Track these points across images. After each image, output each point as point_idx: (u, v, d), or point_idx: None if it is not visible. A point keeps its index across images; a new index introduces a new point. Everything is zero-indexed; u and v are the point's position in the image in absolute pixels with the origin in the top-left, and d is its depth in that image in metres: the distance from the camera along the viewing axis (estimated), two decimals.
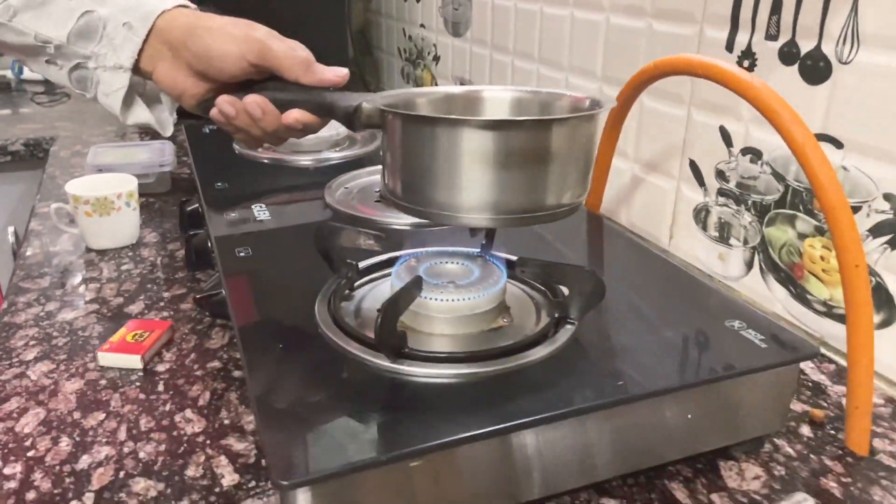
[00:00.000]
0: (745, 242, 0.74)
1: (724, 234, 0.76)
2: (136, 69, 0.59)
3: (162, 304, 0.74)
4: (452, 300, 0.51)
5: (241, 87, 0.57)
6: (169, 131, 0.68)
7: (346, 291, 0.57)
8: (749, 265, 0.74)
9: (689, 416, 0.48)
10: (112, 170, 0.97)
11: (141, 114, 0.63)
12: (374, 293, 0.58)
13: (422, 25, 1.52)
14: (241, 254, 0.65)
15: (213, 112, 0.58)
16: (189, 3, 0.60)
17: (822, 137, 0.63)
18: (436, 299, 0.51)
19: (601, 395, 0.45)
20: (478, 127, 0.46)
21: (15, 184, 1.42)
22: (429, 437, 0.41)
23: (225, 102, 0.56)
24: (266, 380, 0.47)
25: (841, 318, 0.64)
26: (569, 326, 0.52)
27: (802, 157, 0.49)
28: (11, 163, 1.39)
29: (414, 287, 0.49)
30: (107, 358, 0.63)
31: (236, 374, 0.62)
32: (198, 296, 0.63)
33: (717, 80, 0.55)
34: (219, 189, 0.82)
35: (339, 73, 0.56)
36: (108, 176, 0.90)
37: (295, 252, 0.66)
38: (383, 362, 0.48)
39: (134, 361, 0.62)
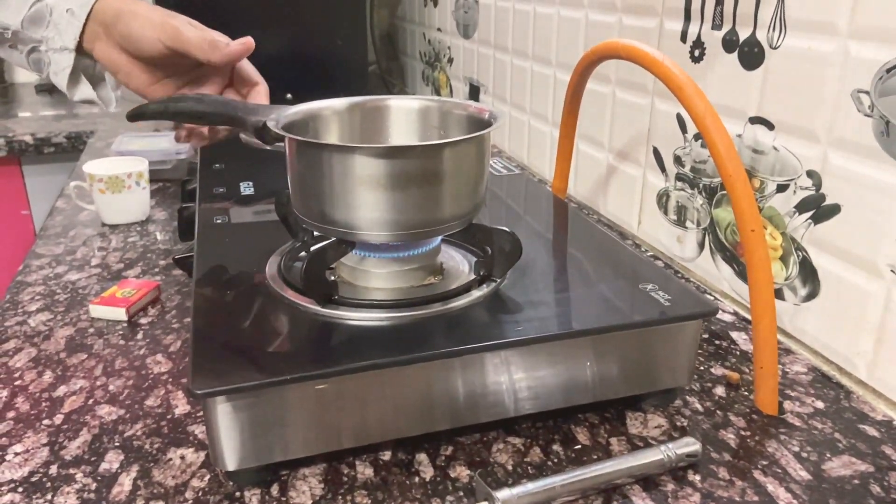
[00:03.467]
0: (698, 224, 0.77)
1: (681, 217, 0.80)
2: (80, 49, 0.67)
3: (156, 270, 0.81)
4: (387, 256, 0.57)
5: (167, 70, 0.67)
6: (112, 107, 0.76)
7: (302, 253, 0.63)
8: (701, 246, 0.77)
9: (588, 363, 0.52)
10: (132, 155, 1.06)
11: (85, 91, 0.72)
12: None
13: (438, 29, 1.59)
14: (218, 220, 0.72)
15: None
16: None
17: (756, 120, 0.66)
18: (371, 255, 0.57)
19: (507, 335, 0.50)
20: (369, 154, 0.50)
21: (58, 174, 1.53)
22: (338, 363, 0.46)
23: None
24: (207, 317, 0.53)
25: (778, 294, 0.67)
26: (491, 283, 0.57)
27: (702, 128, 0.53)
28: (55, 154, 1.51)
29: (345, 243, 0.55)
30: (97, 310, 0.70)
31: None
32: (176, 256, 0.70)
33: (635, 61, 0.59)
34: (215, 169, 0.90)
35: (243, 42, 0.65)
36: (122, 158, 0.98)
37: (268, 221, 0.73)
38: (316, 307, 0.53)
39: (119, 314, 0.70)
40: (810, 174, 0.61)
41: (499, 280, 0.57)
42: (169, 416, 0.55)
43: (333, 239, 0.55)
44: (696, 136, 0.75)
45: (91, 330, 0.68)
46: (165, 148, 1.14)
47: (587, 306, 0.54)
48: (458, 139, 0.52)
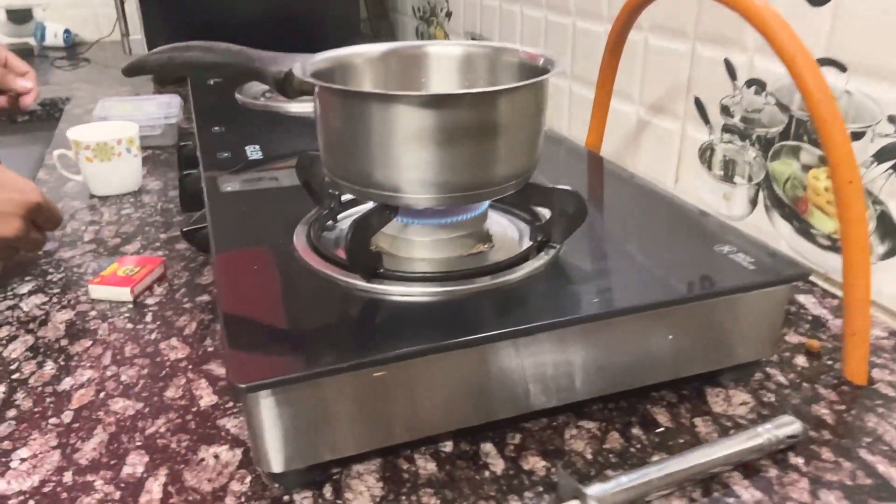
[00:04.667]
0: (750, 179, 0.71)
1: (728, 173, 0.74)
2: None
3: (157, 244, 0.74)
4: (431, 223, 0.50)
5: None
6: None
7: (329, 222, 0.57)
8: (753, 203, 0.71)
9: (671, 336, 0.46)
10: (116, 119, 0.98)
11: None
12: None
13: None
14: (228, 188, 0.65)
15: None
16: None
17: (825, 62, 0.60)
18: (414, 222, 0.50)
19: (576, 310, 0.44)
20: (416, 104, 0.44)
21: (34, 144, 1.44)
22: (394, 347, 0.40)
23: None
24: (237, 297, 0.46)
25: None
26: (550, 250, 0.50)
27: (792, 67, 0.46)
28: (29, 123, 1.41)
29: (388, 209, 0.48)
30: (97, 290, 0.63)
31: None
32: (184, 228, 0.63)
33: None
34: (215, 133, 0.82)
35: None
36: (109, 123, 0.90)
37: (284, 187, 0.66)
38: (358, 282, 0.47)
39: (124, 294, 0.62)
40: (892, 119, 0.56)
41: (558, 247, 0.51)
42: (194, 409, 0.49)
43: (374, 205, 0.48)
44: (749, 83, 0.69)
45: (93, 313, 0.61)
46: (152, 112, 1.05)
47: (663, 274, 0.48)
48: (515, 85, 0.46)
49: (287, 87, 0.52)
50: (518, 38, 1.17)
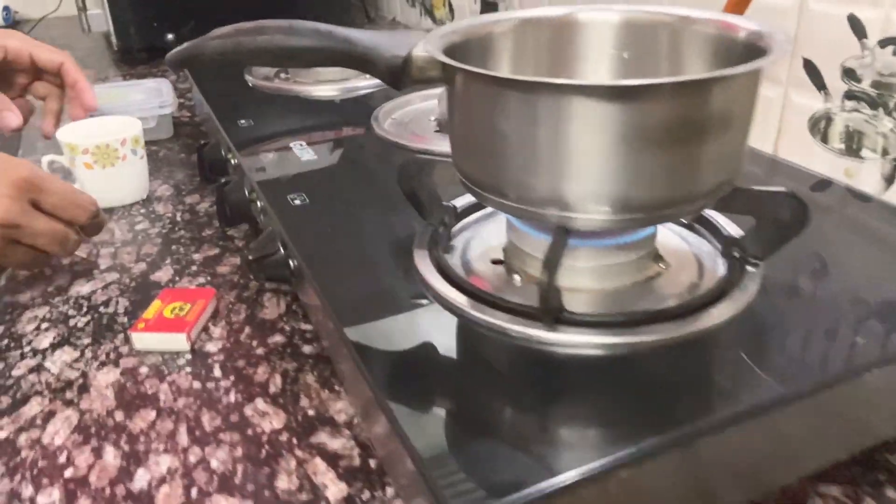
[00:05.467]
0: (884, 153, 0.62)
1: (853, 145, 0.65)
2: None
3: (194, 268, 0.61)
4: (602, 245, 0.40)
5: None
6: None
7: (453, 242, 0.45)
8: (889, 180, 0.63)
9: None
10: (104, 114, 0.83)
11: None
12: (479, 241, 0.46)
13: None
14: (296, 202, 0.52)
15: None
16: None
17: None
18: (583, 244, 0.40)
19: (837, 366, 0.34)
20: (601, 96, 0.33)
21: None
22: (611, 447, 0.30)
23: None
24: (383, 365, 0.35)
25: None
26: (751, 269, 0.40)
27: None
28: None
29: (561, 235, 0.37)
30: (143, 339, 0.51)
31: (307, 349, 0.50)
32: (251, 257, 0.50)
33: None
34: (244, 127, 0.69)
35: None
36: (106, 119, 0.76)
37: (361, 195, 0.54)
38: (529, 330, 0.36)
39: (179, 342, 0.50)
40: None
41: (759, 265, 0.41)
42: None
43: (543, 235, 0.37)
44: (883, 43, 0.60)
45: (144, 370, 0.49)
46: (140, 101, 0.90)
47: None
48: (736, 72, 0.35)
49: (403, 76, 0.40)
50: (546, 2, 1.05)
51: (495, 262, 0.43)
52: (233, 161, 0.68)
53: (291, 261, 0.50)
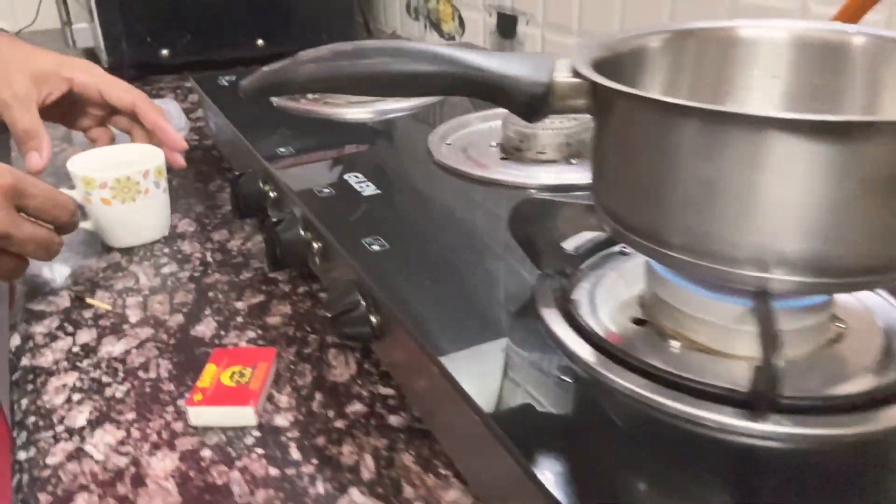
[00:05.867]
0: None
1: None
2: None
3: (240, 319, 0.54)
4: (790, 306, 0.33)
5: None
6: None
7: (579, 296, 0.39)
8: None
9: None
10: (114, 139, 0.75)
11: None
12: (605, 293, 0.40)
13: None
14: (375, 247, 0.45)
15: None
16: (3, 28, 0.67)
17: None
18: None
19: None
20: (821, 133, 0.27)
21: None
22: None
23: None
24: (534, 450, 0.28)
25: None
26: None
27: None
28: None
29: (766, 301, 0.31)
30: (203, 414, 0.43)
31: (394, 420, 0.43)
32: (336, 314, 0.43)
33: None
34: (285, 156, 0.61)
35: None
36: (123, 148, 0.68)
37: (446, 237, 0.47)
38: (730, 419, 0.30)
39: (245, 416, 0.43)
40: None
41: None
42: None
43: (743, 300, 0.31)
44: None
45: (207, 453, 0.41)
46: None
47: None
48: None
49: (543, 106, 0.33)
50: (577, 4, 0.99)
51: (637, 321, 0.37)
52: (271, 194, 0.61)
53: (373, 316, 0.43)
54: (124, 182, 0.61)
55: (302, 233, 0.53)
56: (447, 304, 0.40)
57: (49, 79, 0.65)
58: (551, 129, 0.57)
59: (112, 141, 0.71)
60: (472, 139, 0.64)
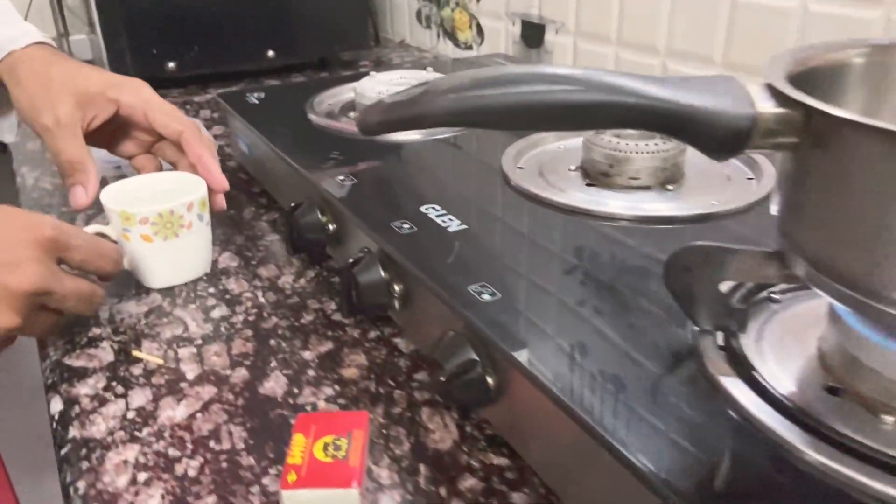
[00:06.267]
0: None
1: None
2: None
3: (311, 373, 0.48)
4: None
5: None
6: (10, 138, 0.67)
7: (750, 360, 0.33)
8: None
9: None
10: (124, 164, 0.69)
11: None
12: (784, 354, 0.34)
13: None
14: (485, 296, 0.40)
15: None
16: (47, 40, 0.62)
17: None
18: None
19: None
20: None
21: None
22: None
23: None
24: None
25: None
26: None
27: None
28: None
29: None
30: (300, 499, 0.37)
31: (518, 499, 0.37)
32: (447, 378, 0.37)
33: None
34: (347, 186, 0.55)
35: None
36: (156, 177, 0.61)
37: (565, 284, 0.42)
38: None
39: (349, 499, 0.37)
40: None
41: None
42: None
43: None
44: None
45: None
46: None
47: None
48: None
49: (744, 142, 0.28)
50: (615, 12, 0.94)
51: (829, 389, 0.32)
52: (330, 226, 0.55)
53: (491, 377, 0.38)
54: (167, 216, 0.54)
55: (382, 274, 0.47)
56: (591, 364, 0.34)
57: (95, 101, 0.58)
58: (647, 153, 0.52)
59: (159, 170, 0.64)
60: (544, 160, 0.59)
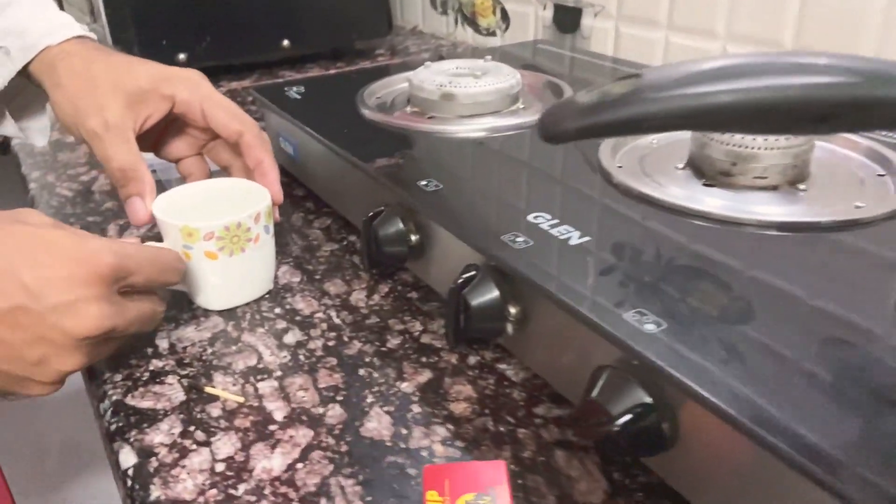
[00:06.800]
0: None
1: None
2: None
3: (416, 410, 0.42)
4: None
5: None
6: (41, 141, 0.62)
7: None
8: None
9: None
10: (155, 165, 0.62)
11: (8, 129, 0.58)
12: None
13: None
14: (649, 326, 0.34)
15: None
16: (87, 33, 0.56)
17: None
18: None
19: None
20: None
21: None
22: None
23: None
24: None
25: None
26: None
27: None
28: None
29: None
30: None
31: None
32: (615, 427, 0.31)
33: None
34: (431, 192, 0.49)
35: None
36: (216, 184, 0.54)
37: (729, 302, 0.36)
38: None
39: None
40: None
41: None
42: None
43: None
44: None
45: None
46: None
47: None
48: None
49: None
50: (665, 3, 0.89)
51: None
52: (412, 237, 0.49)
53: (666, 423, 0.32)
54: (234, 230, 0.48)
55: (497, 294, 0.41)
56: (802, 403, 0.29)
57: (148, 99, 0.51)
58: (776, 148, 0.46)
59: (207, 176, 0.58)
60: (643, 157, 0.53)
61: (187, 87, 0.53)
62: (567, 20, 1.06)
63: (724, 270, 0.39)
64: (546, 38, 1.10)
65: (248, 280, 0.51)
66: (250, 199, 0.51)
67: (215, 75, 1.11)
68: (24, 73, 0.54)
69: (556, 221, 0.44)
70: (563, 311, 0.36)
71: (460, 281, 0.41)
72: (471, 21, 1.27)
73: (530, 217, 0.45)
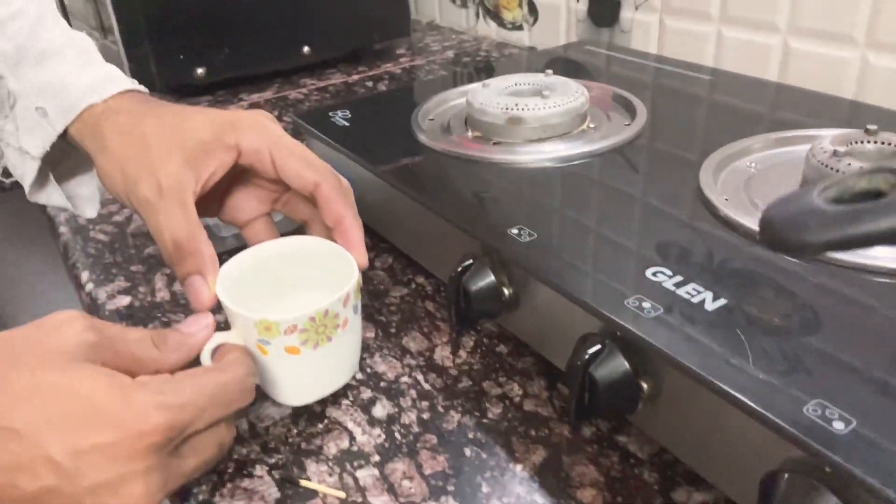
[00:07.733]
0: None
1: None
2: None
3: (538, 498, 0.37)
4: None
5: None
6: (91, 212, 0.56)
7: None
8: None
9: None
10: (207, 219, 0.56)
11: (53, 197, 0.53)
12: None
13: None
14: (837, 424, 0.30)
15: None
16: (137, 87, 0.49)
17: None
18: None
19: None
20: None
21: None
22: None
23: None
24: None
25: None
26: None
27: None
28: None
29: None
30: None
31: None
32: None
33: None
34: (527, 242, 0.44)
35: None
36: (286, 247, 0.46)
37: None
38: None
39: None
40: None
41: None
42: None
43: None
44: None
45: None
46: None
47: None
48: None
49: None
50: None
51: None
52: (506, 291, 0.45)
53: None
54: (321, 319, 0.40)
55: (627, 366, 0.37)
56: None
57: (210, 152, 0.43)
58: None
59: (274, 237, 0.50)
60: (745, 179, 0.49)
61: (255, 132, 0.44)
62: (604, 13, 1.00)
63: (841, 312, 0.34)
64: (580, 32, 1.05)
65: (333, 370, 0.44)
66: (330, 267, 0.45)
67: (234, 87, 1.05)
68: (65, 137, 0.47)
69: (679, 279, 0.39)
70: (722, 398, 0.32)
71: (587, 356, 0.37)
72: (494, 14, 1.21)
73: (649, 273, 0.40)
